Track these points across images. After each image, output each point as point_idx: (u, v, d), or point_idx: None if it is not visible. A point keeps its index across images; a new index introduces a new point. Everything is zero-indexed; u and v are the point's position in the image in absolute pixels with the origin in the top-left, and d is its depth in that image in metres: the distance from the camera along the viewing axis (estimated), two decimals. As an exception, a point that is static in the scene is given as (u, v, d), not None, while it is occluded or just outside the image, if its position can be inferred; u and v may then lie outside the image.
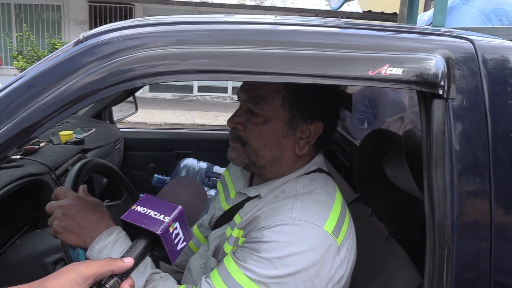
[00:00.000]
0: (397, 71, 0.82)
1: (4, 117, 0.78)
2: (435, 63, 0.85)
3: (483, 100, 0.88)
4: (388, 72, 0.82)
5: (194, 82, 12.27)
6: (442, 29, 0.99)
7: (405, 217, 1.22)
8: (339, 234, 0.97)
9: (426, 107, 0.88)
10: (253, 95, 1.05)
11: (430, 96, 0.87)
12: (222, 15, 1.02)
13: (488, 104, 0.88)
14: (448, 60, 0.86)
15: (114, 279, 0.73)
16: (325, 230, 0.94)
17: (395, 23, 1.05)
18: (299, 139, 1.07)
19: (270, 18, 0.99)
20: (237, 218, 1.10)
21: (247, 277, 0.91)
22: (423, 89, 0.85)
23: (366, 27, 0.94)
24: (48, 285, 0.67)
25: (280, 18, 1.02)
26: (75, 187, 1.22)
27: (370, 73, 0.81)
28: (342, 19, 1.15)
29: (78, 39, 0.86)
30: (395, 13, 10.86)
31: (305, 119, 1.05)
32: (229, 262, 0.96)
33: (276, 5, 12.15)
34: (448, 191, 0.86)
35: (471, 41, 0.91)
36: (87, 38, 0.84)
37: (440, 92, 0.85)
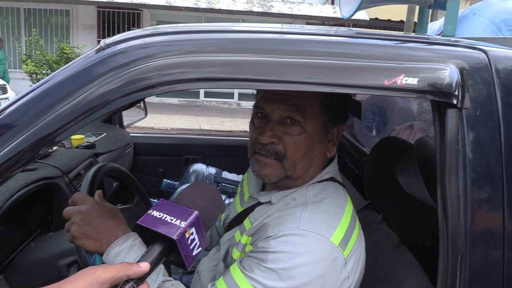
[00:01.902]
0: (412, 81, 0.83)
1: (23, 125, 0.80)
2: (449, 73, 0.86)
3: (496, 110, 0.89)
4: (403, 82, 0.83)
5: (201, 87, 12.33)
6: (455, 39, 1.00)
7: (416, 224, 1.23)
8: (347, 246, 0.96)
9: (440, 116, 0.89)
10: (292, 104, 1.02)
11: (444, 106, 0.88)
12: (241, 24, 1.03)
13: (502, 113, 0.89)
14: (462, 70, 0.88)
15: (130, 283, 0.73)
16: (332, 241, 0.94)
17: (410, 33, 1.06)
18: (328, 142, 1.09)
19: (287, 27, 1.01)
20: (246, 223, 1.11)
21: (253, 286, 0.91)
22: (438, 99, 0.87)
23: (381, 37, 0.95)
24: None
25: (297, 28, 1.04)
26: (91, 192, 1.24)
27: (386, 83, 0.83)
28: (353, 29, 1.17)
29: (100, 47, 0.87)
30: (402, 21, 10.89)
31: (335, 122, 1.08)
32: (235, 271, 0.96)
33: (283, 12, 12.20)
34: (461, 199, 0.87)
35: (484, 51, 0.92)
36: (108, 46, 0.86)
37: (454, 101, 0.87)
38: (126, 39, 0.87)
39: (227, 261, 1.11)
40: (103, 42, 0.89)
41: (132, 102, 2.70)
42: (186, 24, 1.02)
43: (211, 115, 11.12)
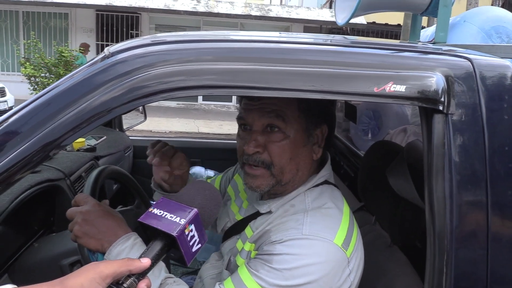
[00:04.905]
0: (400, 88, 0.88)
1: (28, 133, 0.83)
2: (435, 81, 0.90)
3: (480, 115, 0.93)
4: (392, 89, 0.87)
5: (199, 90, 12.35)
6: (443, 48, 1.05)
7: (407, 225, 1.27)
8: (349, 246, 1.01)
9: (427, 121, 0.94)
10: (270, 111, 1.06)
11: (431, 111, 0.92)
12: (239, 32, 1.08)
13: (486, 119, 0.93)
14: (448, 78, 0.92)
15: (132, 278, 0.75)
16: (335, 243, 0.98)
17: (399, 41, 1.11)
18: (313, 144, 1.12)
19: (282, 36, 1.05)
20: (248, 231, 1.14)
21: (258, 284, 0.95)
22: (425, 105, 0.91)
23: (372, 46, 1.00)
24: (68, 284, 0.70)
25: (292, 37, 1.08)
26: (93, 193, 1.28)
27: (375, 90, 0.87)
28: (348, 37, 1.21)
29: (105, 55, 0.91)
30: (399, 25, 10.95)
31: (316, 124, 1.11)
32: (242, 270, 1.00)
33: (281, 16, 12.26)
34: (447, 201, 0.91)
35: (469, 59, 0.96)
36: (112, 54, 0.90)
37: (441, 107, 0.91)
38: (129, 48, 0.91)
39: (230, 268, 1.15)
40: (107, 50, 0.93)
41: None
42: (188, 33, 1.06)
43: (209, 119, 11.16)
